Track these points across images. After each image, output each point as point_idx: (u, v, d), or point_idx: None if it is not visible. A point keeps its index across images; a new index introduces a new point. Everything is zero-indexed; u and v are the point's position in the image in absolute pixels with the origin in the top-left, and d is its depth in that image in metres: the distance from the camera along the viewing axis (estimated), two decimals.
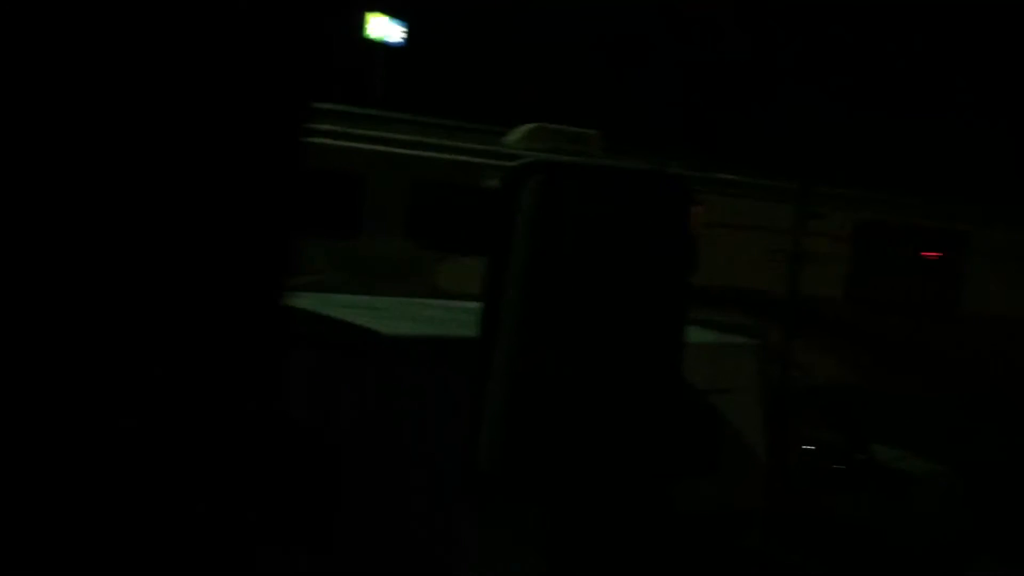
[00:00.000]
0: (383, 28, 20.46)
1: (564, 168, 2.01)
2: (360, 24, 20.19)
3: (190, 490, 1.30)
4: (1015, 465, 9.47)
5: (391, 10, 18.70)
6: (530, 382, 1.94)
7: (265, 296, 1.36)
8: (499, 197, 2.00)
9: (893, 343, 10.34)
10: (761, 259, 8.95)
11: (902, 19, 13.34)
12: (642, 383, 1.91)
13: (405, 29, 19.60)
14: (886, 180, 11.05)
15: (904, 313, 10.55)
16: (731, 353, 5.26)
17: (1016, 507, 8.21)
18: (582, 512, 1.93)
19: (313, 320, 3.70)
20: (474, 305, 2.20)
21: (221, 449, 1.32)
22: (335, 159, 9.75)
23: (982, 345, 10.08)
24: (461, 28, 16.38)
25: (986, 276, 10.25)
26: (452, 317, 3.80)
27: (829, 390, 6.78)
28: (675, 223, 1.94)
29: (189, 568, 1.30)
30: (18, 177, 1.19)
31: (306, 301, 4.13)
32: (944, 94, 12.94)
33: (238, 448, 1.34)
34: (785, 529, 5.32)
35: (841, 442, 6.33)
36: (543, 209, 1.92)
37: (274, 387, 1.37)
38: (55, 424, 1.23)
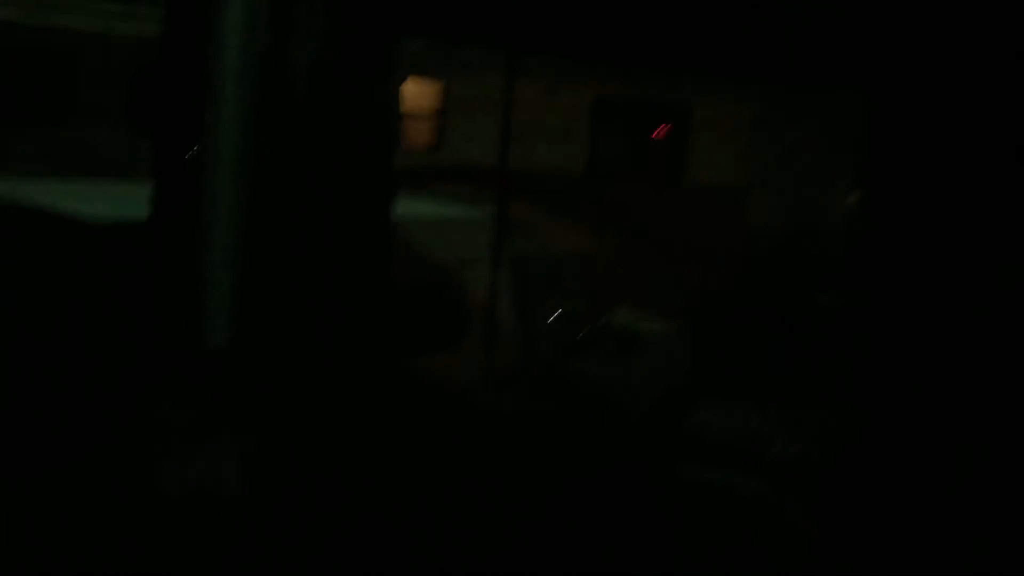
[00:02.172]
0: None
1: None
2: None
3: None
4: (733, 320, 10.36)
5: None
6: (257, 251, 1.80)
7: None
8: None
9: (628, 214, 10.88)
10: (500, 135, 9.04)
11: None
12: (354, 257, 1.81)
13: None
14: (620, 54, 11.38)
15: (638, 185, 11.09)
16: (471, 225, 5.29)
17: (733, 354, 9.07)
18: (302, 392, 1.84)
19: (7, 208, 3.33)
20: None
21: None
22: (42, 36, 8.79)
23: (705, 213, 10.82)
24: None
25: (706, 146, 10.93)
26: None
27: (568, 260, 7.03)
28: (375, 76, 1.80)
29: None
30: None
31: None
32: None
33: None
34: (533, 393, 5.52)
35: (581, 310, 6.61)
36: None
37: None
38: None
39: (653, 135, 11.30)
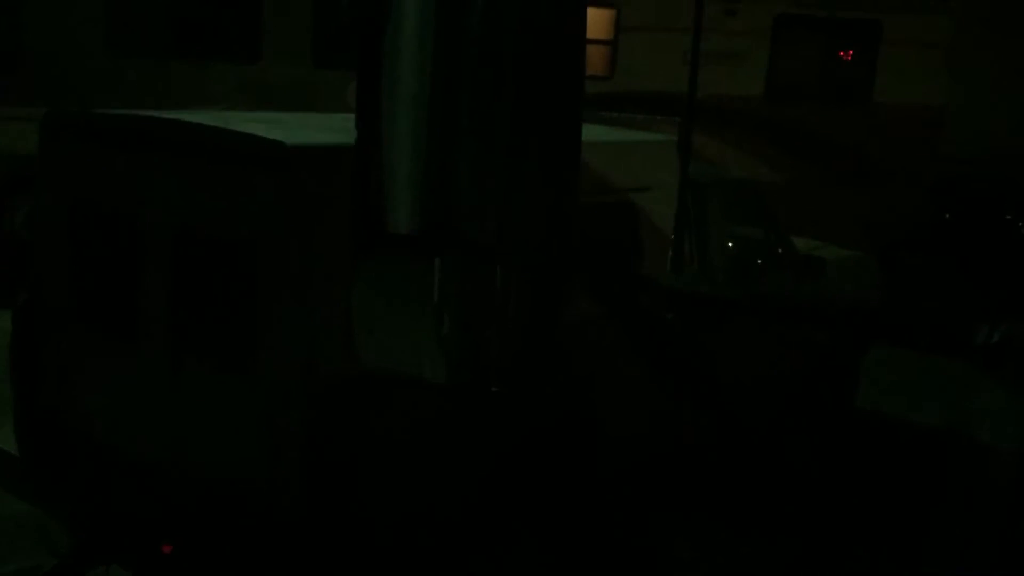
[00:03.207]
0: None
1: None
2: None
3: None
4: (921, 246, 9.84)
5: None
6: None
7: None
8: None
9: (810, 137, 10.43)
10: (679, 60, 8.82)
11: None
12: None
13: None
14: None
15: (821, 106, 10.60)
16: (649, 151, 5.22)
17: (917, 283, 8.68)
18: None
19: (210, 133, 3.55)
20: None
21: None
22: None
23: (892, 134, 10.23)
24: None
25: (897, 64, 10.29)
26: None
27: (747, 186, 6.82)
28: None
29: None
30: None
31: (204, 116, 3.94)
32: None
33: None
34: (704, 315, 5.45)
35: (760, 235, 6.43)
36: None
37: None
38: None
39: (839, 54, 10.73)
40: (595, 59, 11.05)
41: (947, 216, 10.22)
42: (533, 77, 1.87)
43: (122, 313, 3.78)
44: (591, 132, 5.39)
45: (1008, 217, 10.34)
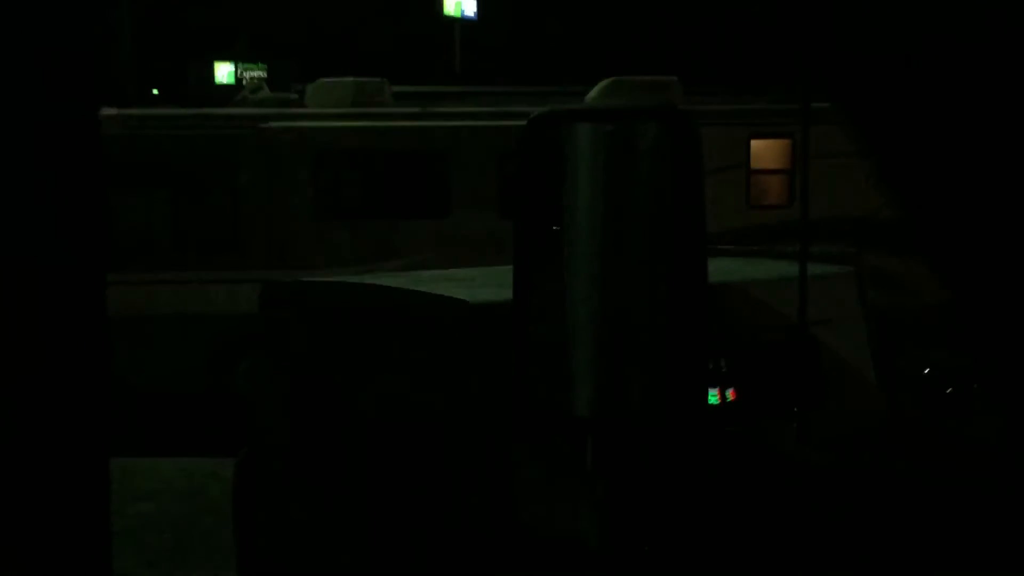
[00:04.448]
0: (457, 2, 20.44)
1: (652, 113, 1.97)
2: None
3: None
4: None
5: None
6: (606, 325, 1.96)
7: None
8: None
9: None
10: (860, 185, 8.72)
11: None
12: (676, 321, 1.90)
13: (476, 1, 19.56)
14: None
15: None
16: (829, 283, 5.16)
17: None
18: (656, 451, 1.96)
19: (396, 295, 3.86)
20: None
21: None
22: (420, 140, 9.92)
23: None
24: None
25: None
26: None
27: (942, 310, 6.56)
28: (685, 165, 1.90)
29: None
30: None
31: (394, 279, 4.28)
32: None
33: None
34: (905, 455, 5.22)
35: (959, 363, 6.14)
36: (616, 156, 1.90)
37: None
38: None
39: None
40: (774, 188, 11.05)
41: None
42: (688, 242, 1.96)
43: (328, 468, 4.07)
44: (768, 268, 5.41)
45: None
